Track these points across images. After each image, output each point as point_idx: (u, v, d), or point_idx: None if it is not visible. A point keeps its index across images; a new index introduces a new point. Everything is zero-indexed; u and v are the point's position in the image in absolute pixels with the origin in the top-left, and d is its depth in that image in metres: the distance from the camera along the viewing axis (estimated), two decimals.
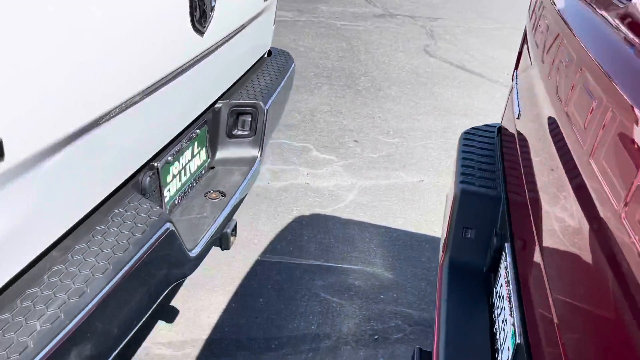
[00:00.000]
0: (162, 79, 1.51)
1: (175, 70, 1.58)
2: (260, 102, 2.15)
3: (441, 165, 3.93)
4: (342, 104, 4.73)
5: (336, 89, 5.02)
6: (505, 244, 1.55)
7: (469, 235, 1.79)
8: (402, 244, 3.09)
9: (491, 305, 1.60)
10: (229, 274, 2.72)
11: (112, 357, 1.33)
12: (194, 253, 1.65)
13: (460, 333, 1.51)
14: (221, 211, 1.84)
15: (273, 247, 2.94)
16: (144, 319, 1.45)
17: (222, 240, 1.90)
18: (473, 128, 2.33)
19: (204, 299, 2.55)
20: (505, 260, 1.50)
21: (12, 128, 0.99)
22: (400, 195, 3.54)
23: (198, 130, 1.94)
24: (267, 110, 2.18)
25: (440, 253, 1.85)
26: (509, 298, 1.38)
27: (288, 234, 3.06)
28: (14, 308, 1.10)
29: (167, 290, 1.57)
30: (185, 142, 1.85)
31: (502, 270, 1.54)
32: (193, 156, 1.93)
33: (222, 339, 2.35)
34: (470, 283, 1.70)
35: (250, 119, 2.17)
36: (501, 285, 1.51)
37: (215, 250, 2.84)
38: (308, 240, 3.02)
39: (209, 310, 2.48)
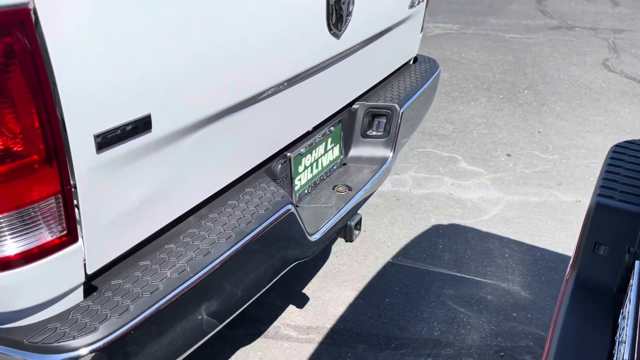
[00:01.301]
0: (297, 75, 1.67)
1: (311, 68, 1.74)
2: (395, 105, 2.23)
3: None
4: (498, 117, 4.57)
5: (495, 101, 4.86)
6: (637, 261, 1.42)
7: (601, 252, 1.66)
8: (545, 265, 2.90)
9: (615, 327, 1.48)
10: (360, 271, 2.82)
11: (229, 319, 1.52)
12: (314, 238, 1.78)
13: (574, 350, 1.42)
14: (345, 203, 1.95)
15: (406, 251, 2.97)
16: (263, 289, 1.62)
17: (345, 232, 2.01)
18: (627, 141, 2.14)
19: (333, 291, 2.68)
20: (633, 277, 1.38)
21: (160, 105, 1.21)
22: (551, 214, 3.32)
23: (333, 128, 2.08)
24: (402, 113, 2.25)
25: (568, 269, 1.74)
26: (628, 316, 1.27)
27: (423, 240, 3.06)
28: (153, 257, 1.33)
29: (288, 268, 1.72)
30: (319, 137, 2.00)
31: (629, 288, 1.42)
32: (326, 151, 2.08)
33: (345, 330, 2.46)
34: (595, 302, 1.58)
35: (385, 121, 2.25)
36: (625, 305, 1.39)
37: (348, 248, 2.98)
38: (443, 249, 3.00)
39: (336, 302, 2.61)
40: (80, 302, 1.19)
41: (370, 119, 2.26)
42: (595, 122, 4.52)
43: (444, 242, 3.05)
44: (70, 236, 1.12)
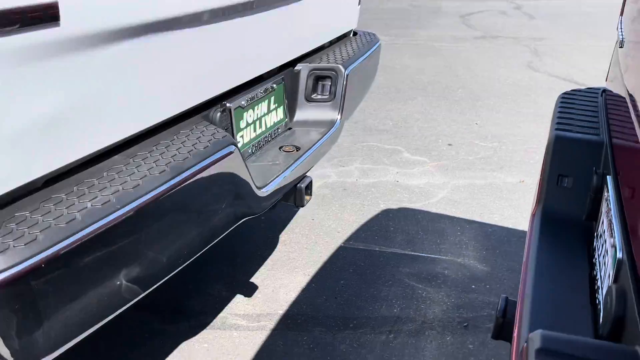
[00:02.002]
0: (229, 7, 1.52)
1: (245, 3, 1.58)
2: (340, 66, 2.12)
3: None
4: (436, 112, 4.58)
5: (431, 99, 4.89)
6: (608, 176, 1.34)
7: (565, 184, 1.59)
8: (498, 239, 2.83)
9: (591, 252, 1.38)
10: (311, 257, 2.64)
11: (169, 275, 1.30)
12: (263, 192, 1.60)
13: (552, 279, 1.31)
14: (294, 161, 1.79)
15: (357, 235, 2.82)
16: (209, 244, 1.41)
17: (296, 195, 1.85)
18: (573, 90, 2.13)
19: (284, 277, 2.48)
20: (607, 191, 1.30)
21: None
22: (497, 194, 3.29)
23: (275, 85, 1.93)
24: (347, 75, 2.13)
25: (533, 205, 1.65)
26: (610, 222, 1.17)
27: (374, 224, 2.93)
28: (68, 191, 1.10)
29: (235, 225, 1.52)
30: (261, 93, 1.84)
31: (603, 204, 1.33)
32: (269, 110, 1.92)
33: (299, 314, 2.26)
34: (565, 231, 1.49)
35: (330, 84, 2.13)
36: (602, 222, 1.30)
37: (297, 235, 2.79)
38: (394, 230, 2.88)
39: (287, 288, 2.41)
40: None
41: (315, 82, 2.13)
42: (527, 114, 4.62)
43: (394, 225, 2.93)
44: None
